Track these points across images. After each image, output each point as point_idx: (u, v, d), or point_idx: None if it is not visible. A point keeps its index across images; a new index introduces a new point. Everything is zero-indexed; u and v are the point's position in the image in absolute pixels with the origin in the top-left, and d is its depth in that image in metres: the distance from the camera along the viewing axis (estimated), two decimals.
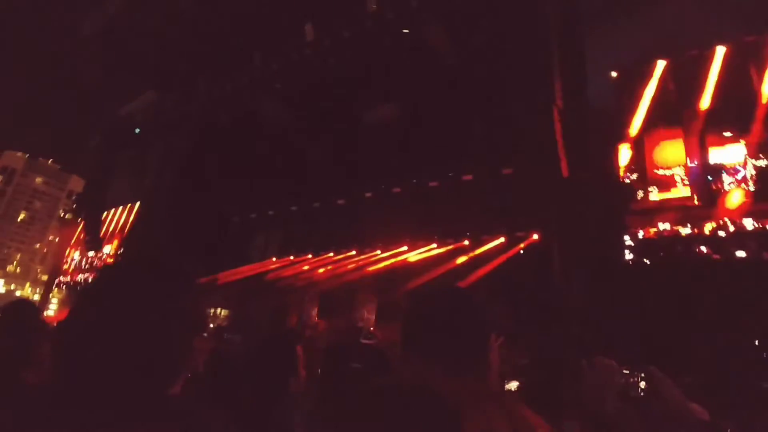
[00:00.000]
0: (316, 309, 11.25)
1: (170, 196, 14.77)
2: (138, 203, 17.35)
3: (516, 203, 8.40)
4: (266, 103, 12.82)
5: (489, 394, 1.14)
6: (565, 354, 5.58)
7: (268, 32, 12.63)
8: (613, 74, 8.97)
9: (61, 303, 19.79)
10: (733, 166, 7.51)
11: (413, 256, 9.84)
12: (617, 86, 8.97)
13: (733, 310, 6.13)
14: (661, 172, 8.14)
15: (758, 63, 7.61)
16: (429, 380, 1.11)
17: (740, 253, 6.89)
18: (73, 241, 20.72)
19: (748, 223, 7.01)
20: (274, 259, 12.18)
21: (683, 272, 7.06)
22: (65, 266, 20.78)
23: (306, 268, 11.22)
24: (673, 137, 8.23)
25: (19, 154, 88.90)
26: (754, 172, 7.32)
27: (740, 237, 6.98)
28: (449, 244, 9.49)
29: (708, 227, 7.26)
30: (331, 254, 11.16)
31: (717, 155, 7.72)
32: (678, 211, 7.66)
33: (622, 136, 8.48)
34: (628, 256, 7.69)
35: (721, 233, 7.13)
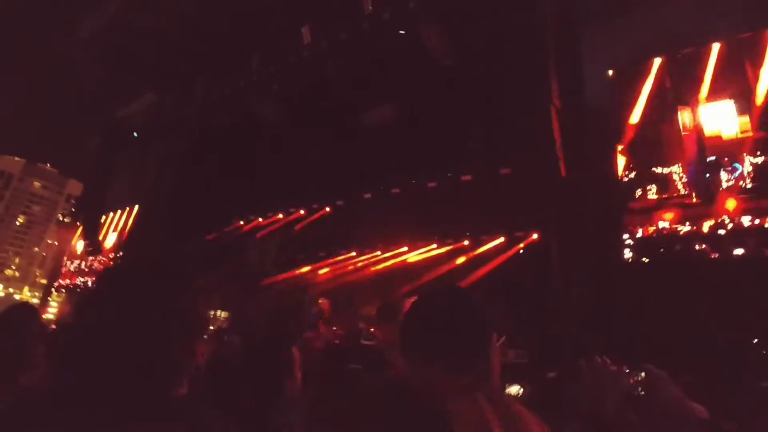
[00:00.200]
0: (315, 310, 11.24)
1: (170, 197, 14.78)
2: (137, 206, 17.36)
3: (515, 203, 8.41)
4: (265, 105, 12.84)
5: (488, 394, 1.14)
6: (564, 354, 5.59)
7: (265, 35, 12.67)
8: (610, 73, 8.98)
9: (61, 306, 19.76)
10: (730, 163, 7.53)
11: (413, 257, 9.86)
12: (614, 85, 8.97)
13: (732, 308, 6.14)
14: (659, 170, 8.16)
15: (753, 59, 7.63)
16: (428, 380, 1.11)
17: (738, 251, 6.91)
18: (72, 243, 20.71)
19: (746, 221, 7.03)
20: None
21: (682, 270, 7.08)
22: (64, 269, 20.78)
23: (306, 269, 11.23)
24: (671, 135, 8.24)
25: (17, 159, 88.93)
26: (751, 169, 7.34)
27: (738, 234, 7.00)
28: (449, 245, 9.51)
29: (706, 225, 7.28)
30: (331, 255, 11.17)
31: (714, 152, 7.74)
32: (676, 209, 7.68)
33: (620, 135, 8.50)
34: (627, 254, 7.71)
35: (720, 231, 7.15)
